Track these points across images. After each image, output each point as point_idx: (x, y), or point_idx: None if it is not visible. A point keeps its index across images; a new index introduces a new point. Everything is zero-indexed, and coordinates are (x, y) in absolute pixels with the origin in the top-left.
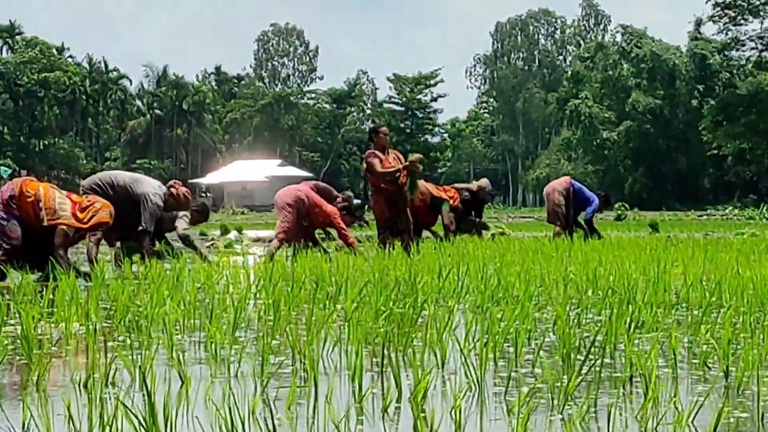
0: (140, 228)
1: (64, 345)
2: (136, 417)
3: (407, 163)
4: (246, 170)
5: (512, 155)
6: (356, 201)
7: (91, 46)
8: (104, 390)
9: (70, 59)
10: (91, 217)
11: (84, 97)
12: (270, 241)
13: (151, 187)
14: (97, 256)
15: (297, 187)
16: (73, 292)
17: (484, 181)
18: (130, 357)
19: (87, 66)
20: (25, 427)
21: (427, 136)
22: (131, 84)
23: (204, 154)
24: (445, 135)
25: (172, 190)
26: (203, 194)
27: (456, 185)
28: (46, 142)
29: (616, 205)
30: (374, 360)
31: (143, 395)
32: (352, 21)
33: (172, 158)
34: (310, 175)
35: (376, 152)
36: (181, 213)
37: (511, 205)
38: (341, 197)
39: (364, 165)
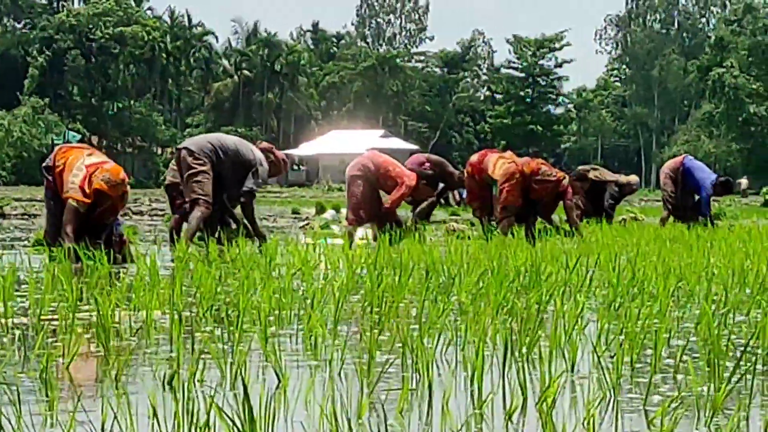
0: (245, 189)
1: (145, 336)
2: (232, 420)
3: None
4: (344, 141)
5: (646, 130)
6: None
7: None
8: (192, 388)
9: (149, 12)
10: (91, 189)
11: (164, 55)
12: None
13: (258, 153)
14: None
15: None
16: (153, 277)
17: (635, 179)
18: (221, 351)
19: (168, 20)
20: (105, 427)
21: (549, 107)
22: (217, 41)
23: (297, 121)
24: (570, 106)
25: (270, 155)
26: (296, 167)
27: (605, 172)
28: (121, 105)
29: (764, 189)
30: (495, 360)
31: (236, 395)
32: None
33: (262, 126)
34: (416, 147)
35: None
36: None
37: (643, 186)
38: (458, 174)
39: None
